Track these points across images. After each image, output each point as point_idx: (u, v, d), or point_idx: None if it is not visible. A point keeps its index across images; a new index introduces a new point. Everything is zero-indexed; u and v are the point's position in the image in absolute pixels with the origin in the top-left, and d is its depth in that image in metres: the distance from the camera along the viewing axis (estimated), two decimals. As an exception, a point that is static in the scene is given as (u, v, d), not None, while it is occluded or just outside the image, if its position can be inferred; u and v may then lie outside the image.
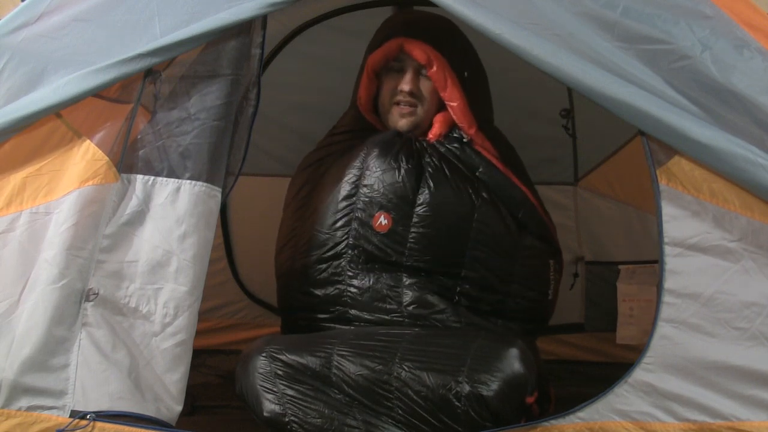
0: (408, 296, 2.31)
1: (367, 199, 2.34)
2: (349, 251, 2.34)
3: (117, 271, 1.97)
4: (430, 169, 2.34)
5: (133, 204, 1.99)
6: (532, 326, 2.44)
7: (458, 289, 2.33)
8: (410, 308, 2.30)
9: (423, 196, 2.33)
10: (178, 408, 2.01)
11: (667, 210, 1.90)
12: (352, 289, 2.33)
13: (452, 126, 2.42)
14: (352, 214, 2.35)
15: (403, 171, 2.33)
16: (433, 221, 2.32)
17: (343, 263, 2.34)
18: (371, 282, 2.32)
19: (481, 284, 2.34)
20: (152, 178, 2.00)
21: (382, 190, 2.33)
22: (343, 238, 2.35)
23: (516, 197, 2.41)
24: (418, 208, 2.33)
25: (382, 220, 2.33)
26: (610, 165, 3.04)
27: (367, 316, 2.31)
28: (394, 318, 2.30)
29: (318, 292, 2.36)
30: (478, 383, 2.01)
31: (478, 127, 2.42)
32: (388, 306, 2.31)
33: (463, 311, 2.32)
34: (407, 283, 2.32)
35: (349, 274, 2.34)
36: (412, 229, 2.32)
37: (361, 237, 2.33)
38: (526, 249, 2.39)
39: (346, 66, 2.59)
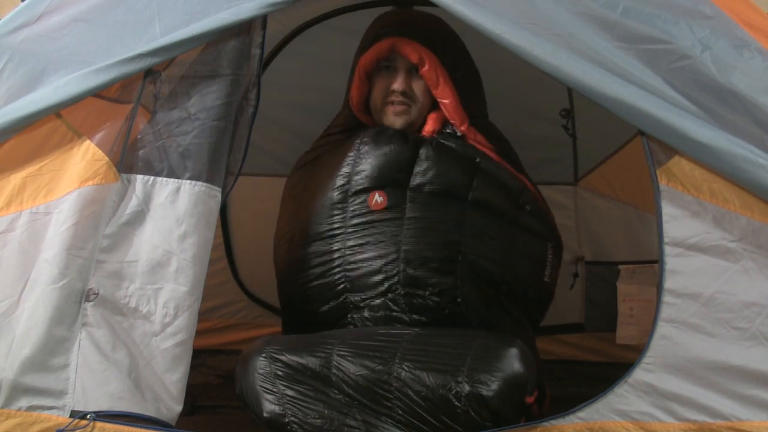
0: (405, 276, 2.30)
1: (361, 181, 2.36)
2: (346, 236, 2.34)
3: (117, 271, 1.97)
4: (423, 150, 2.36)
5: (133, 204, 1.99)
6: (531, 312, 2.43)
7: (456, 269, 2.32)
8: (407, 289, 2.29)
9: (418, 169, 2.34)
10: (178, 408, 2.01)
11: (667, 210, 1.90)
12: (350, 274, 2.33)
13: (445, 123, 2.44)
14: (347, 201, 2.36)
15: (396, 149, 2.35)
16: (430, 194, 2.33)
17: (341, 250, 2.34)
18: (369, 264, 2.32)
19: (479, 263, 2.33)
20: (152, 178, 2.00)
21: (375, 170, 2.35)
22: (340, 223, 2.35)
23: (514, 185, 2.42)
24: (413, 180, 2.33)
25: (377, 198, 2.34)
26: (610, 165, 3.04)
27: (366, 299, 2.31)
28: (390, 303, 2.29)
29: (316, 282, 2.36)
30: (478, 383, 2.01)
31: (470, 123, 2.43)
32: (386, 289, 2.30)
33: (461, 292, 2.31)
34: (404, 260, 2.31)
35: (347, 258, 2.34)
36: (408, 204, 2.33)
37: (357, 220, 2.34)
38: (525, 229, 2.40)
39: (346, 66, 2.59)
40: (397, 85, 2.41)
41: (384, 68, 2.45)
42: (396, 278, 2.31)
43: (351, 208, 2.36)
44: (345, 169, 2.39)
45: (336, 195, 2.38)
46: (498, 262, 2.35)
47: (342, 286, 2.34)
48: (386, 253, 2.32)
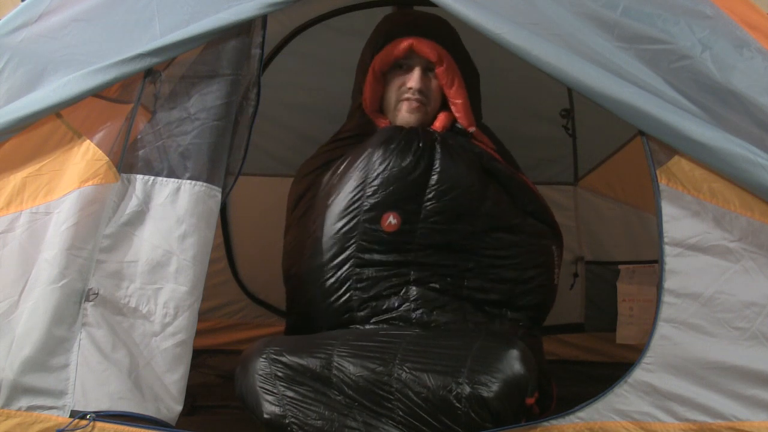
0: (415, 295, 2.30)
1: (373, 201, 2.31)
2: (357, 254, 2.32)
3: (117, 271, 1.97)
4: (437, 162, 2.32)
5: (133, 204, 1.99)
6: (537, 315, 2.42)
7: (466, 283, 2.32)
8: (417, 311, 2.29)
9: (431, 192, 2.31)
10: (178, 408, 2.01)
11: (667, 210, 1.91)
12: (360, 293, 2.31)
13: (452, 124, 2.43)
14: (359, 217, 2.32)
15: (409, 167, 2.30)
16: (443, 215, 2.30)
17: (351, 267, 2.32)
18: (379, 284, 2.31)
19: (490, 275, 2.33)
20: (152, 178, 2.00)
21: (388, 190, 2.30)
22: (351, 242, 2.32)
23: (520, 185, 2.42)
24: (426, 204, 2.30)
25: (391, 220, 2.31)
26: (610, 165, 3.04)
27: (375, 319, 2.30)
28: (401, 317, 2.29)
29: (325, 299, 2.33)
30: (479, 384, 2.00)
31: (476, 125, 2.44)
32: (396, 307, 2.29)
33: (470, 308, 2.31)
34: (414, 280, 2.31)
35: (356, 278, 2.32)
36: (421, 225, 2.31)
37: (368, 239, 2.31)
38: (534, 236, 2.39)
39: (346, 66, 2.59)
40: (414, 83, 2.39)
41: (398, 67, 2.43)
42: (406, 301, 2.30)
43: (363, 228, 2.31)
44: (355, 182, 2.33)
45: (347, 211, 2.32)
46: (509, 279, 2.34)
47: (351, 304, 2.31)
48: (396, 276, 2.31)
